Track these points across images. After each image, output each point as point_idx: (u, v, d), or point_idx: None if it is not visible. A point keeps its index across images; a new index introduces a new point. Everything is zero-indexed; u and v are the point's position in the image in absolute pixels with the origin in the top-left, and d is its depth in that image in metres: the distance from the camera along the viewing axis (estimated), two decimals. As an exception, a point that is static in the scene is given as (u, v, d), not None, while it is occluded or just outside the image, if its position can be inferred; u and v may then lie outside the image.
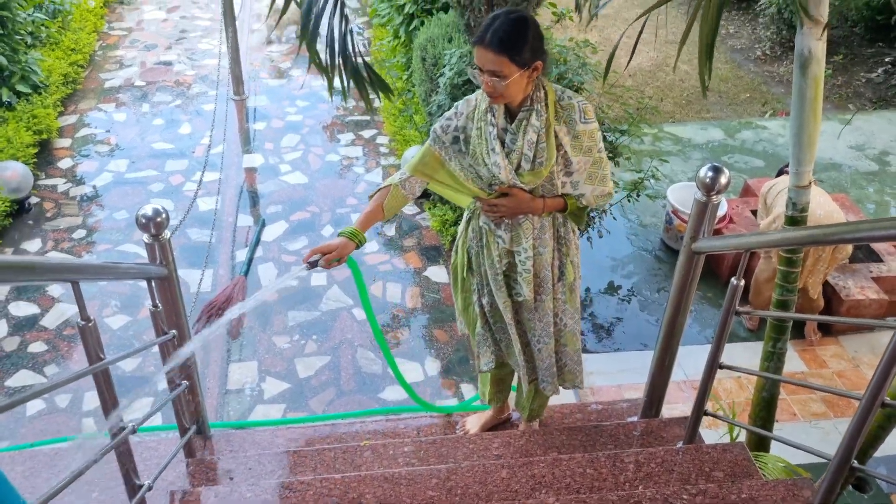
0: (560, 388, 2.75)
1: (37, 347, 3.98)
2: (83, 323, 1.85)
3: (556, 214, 2.51)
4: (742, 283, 2.38)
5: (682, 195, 4.93)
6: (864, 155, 6.23)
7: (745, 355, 4.34)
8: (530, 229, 2.48)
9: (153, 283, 2.54)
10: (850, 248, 4.30)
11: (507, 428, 3.15)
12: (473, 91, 2.38)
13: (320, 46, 2.68)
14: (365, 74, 2.13)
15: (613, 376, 4.17)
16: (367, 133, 6.02)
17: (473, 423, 3.14)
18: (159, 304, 2.57)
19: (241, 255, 4.66)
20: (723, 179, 2.40)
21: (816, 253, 4.15)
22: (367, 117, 6.21)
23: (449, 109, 2.48)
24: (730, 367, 2.53)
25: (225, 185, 5.27)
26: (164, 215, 2.50)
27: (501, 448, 2.83)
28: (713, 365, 2.54)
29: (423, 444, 2.84)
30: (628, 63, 2.42)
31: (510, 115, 2.35)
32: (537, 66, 2.22)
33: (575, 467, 2.50)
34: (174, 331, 2.65)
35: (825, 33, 2.50)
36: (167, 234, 2.55)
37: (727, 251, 2.41)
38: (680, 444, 2.78)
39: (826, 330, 4.58)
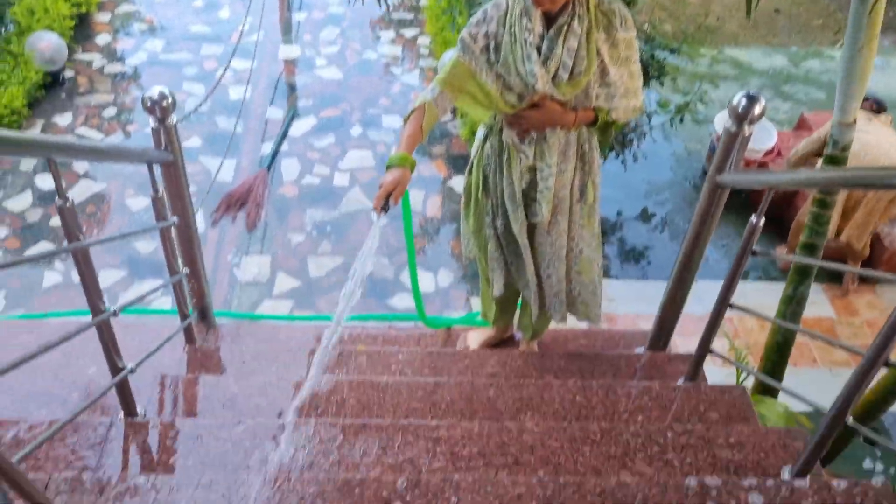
0: (570, 316, 2.67)
1: (58, 221, 4.03)
2: (61, 202, 1.81)
3: (583, 130, 2.37)
4: (762, 221, 2.22)
5: (729, 123, 4.66)
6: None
7: (773, 296, 4.18)
8: (556, 145, 2.34)
9: (157, 168, 2.49)
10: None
11: (507, 347, 3.09)
12: None
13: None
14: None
15: (632, 304, 4.07)
16: (408, 32, 5.79)
17: (474, 339, 3.09)
18: (160, 190, 2.52)
19: (267, 147, 4.60)
20: (757, 109, 2.21)
21: (869, 205, 3.89)
22: (411, 16, 5.97)
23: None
24: (740, 308, 2.40)
25: (258, 73, 5.16)
26: (169, 99, 2.40)
27: (496, 367, 2.78)
28: (723, 304, 2.41)
29: (419, 355, 2.81)
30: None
31: (547, 20, 2.18)
32: None
33: (565, 393, 2.44)
34: (176, 217, 2.62)
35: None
36: (174, 118, 2.46)
37: (752, 188, 2.24)
38: (680, 381, 2.70)
39: (864, 277, 4.39)
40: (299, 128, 4.79)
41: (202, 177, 4.34)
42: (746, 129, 2.26)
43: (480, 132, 2.55)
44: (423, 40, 5.69)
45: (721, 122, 4.71)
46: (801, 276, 2.82)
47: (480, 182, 2.53)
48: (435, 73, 5.28)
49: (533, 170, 2.38)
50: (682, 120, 4.56)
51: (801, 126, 5.08)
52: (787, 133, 4.93)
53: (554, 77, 2.19)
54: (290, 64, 5.42)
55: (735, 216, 4.59)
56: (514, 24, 2.17)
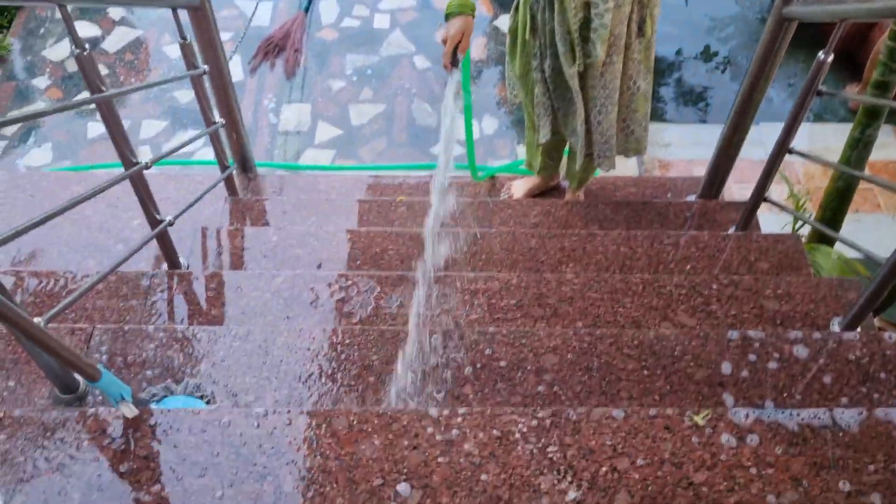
0: (618, 160, 2.56)
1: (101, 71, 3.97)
2: (77, 51, 1.74)
3: None
4: (831, 58, 2.02)
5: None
6: None
7: (840, 138, 3.94)
8: None
9: (184, 14, 2.38)
10: None
11: (552, 196, 3.01)
12: None
13: None
14: None
15: (687, 149, 3.90)
16: None
17: (519, 188, 3.01)
18: (187, 37, 2.42)
19: (304, -13, 4.38)
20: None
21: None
22: None
23: None
24: (800, 153, 2.25)
25: None
26: (190, -66, 2.25)
27: (540, 216, 2.72)
28: (782, 148, 2.26)
29: (461, 206, 2.76)
30: None
31: None
32: None
33: (609, 244, 2.38)
34: (206, 65, 2.53)
35: None
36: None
37: (822, 20, 2.03)
38: (731, 230, 2.60)
39: (941, 118, 4.10)
40: (337, -35, 4.53)
41: (239, 21, 4.18)
42: (823, -49, 2.02)
43: (527, -37, 2.33)
44: None
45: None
46: (870, 118, 2.61)
47: (528, 21, 2.34)
48: None
49: (587, 6, 2.19)
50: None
51: (888, -52, 4.57)
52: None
53: None
54: None
55: (805, 53, 4.26)
56: None
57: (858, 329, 1.89)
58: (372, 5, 4.28)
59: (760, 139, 4.00)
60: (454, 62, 2.11)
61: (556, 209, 2.74)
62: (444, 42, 2.11)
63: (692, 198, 2.95)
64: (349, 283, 2.06)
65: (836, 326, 1.95)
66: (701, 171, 3.89)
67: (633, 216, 2.70)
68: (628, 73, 2.33)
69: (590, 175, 2.82)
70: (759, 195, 2.43)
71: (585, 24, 2.20)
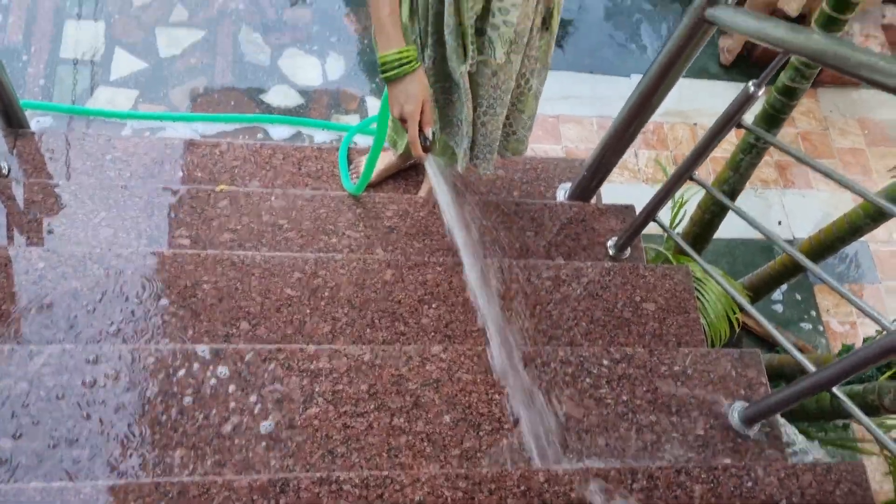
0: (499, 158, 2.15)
1: None
2: None
3: None
4: (762, 91, 1.68)
5: None
6: None
7: (711, 97, 3.71)
8: None
9: None
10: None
11: (408, 176, 2.54)
12: None
13: None
14: None
15: (553, 104, 3.50)
16: None
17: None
18: None
19: None
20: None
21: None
22: None
23: None
24: (699, 183, 1.93)
25: None
26: None
27: (395, 218, 2.25)
28: (683, 175, 1.93)
29: (300, 200, 2.22)
30: None
31: None
32: None
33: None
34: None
35: None
36: None
37: (755, 40, 1.62)
38: (612, 243, 2.28)
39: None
40: None
41: None
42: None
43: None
44: None
45: None
46: (769, 124, 2.34)
47: (409, 1, 1.78)
48: None
49: None
50: None
51: None
52: None
53: None
54: None
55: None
56: None
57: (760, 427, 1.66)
58: None
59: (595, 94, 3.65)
60: (426, 146, 1.57)
61: (414, 209, 2.29)
62: (402, 120, 1.57)
63: (565, 190, 2.58)
64: (137, 359, 1.53)
65: (734, 415, 1.70)
66: (568, 128, 3.54)
67: (504, 223, 2.30)
68: (522, 71, 1.90)
69: (455, 163, 2.38)
70: (648, 217, 2.11)
71: (483, 16, 1.71)
